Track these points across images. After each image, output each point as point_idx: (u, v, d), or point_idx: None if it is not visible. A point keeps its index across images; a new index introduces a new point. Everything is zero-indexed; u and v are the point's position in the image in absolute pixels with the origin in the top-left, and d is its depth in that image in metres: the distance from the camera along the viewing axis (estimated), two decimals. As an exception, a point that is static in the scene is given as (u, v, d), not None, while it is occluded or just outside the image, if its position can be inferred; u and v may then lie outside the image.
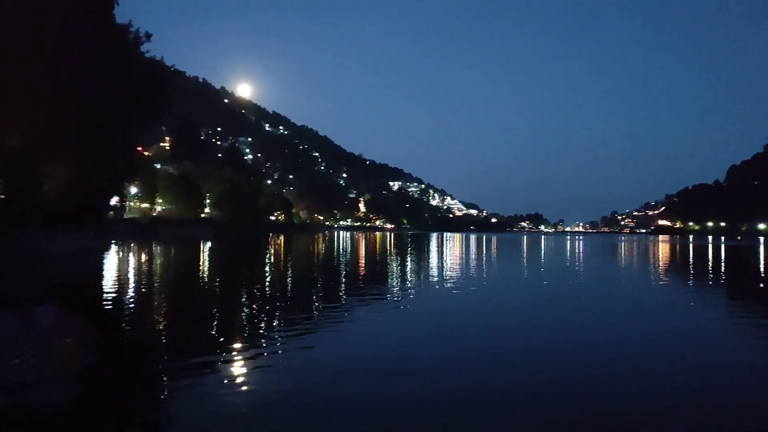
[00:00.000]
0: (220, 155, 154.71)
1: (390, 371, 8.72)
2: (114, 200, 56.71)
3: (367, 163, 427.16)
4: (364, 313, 14.71)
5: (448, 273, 27.92)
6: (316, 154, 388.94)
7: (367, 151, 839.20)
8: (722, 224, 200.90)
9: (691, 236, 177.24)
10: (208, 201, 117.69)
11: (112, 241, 52.25)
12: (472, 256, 46.53)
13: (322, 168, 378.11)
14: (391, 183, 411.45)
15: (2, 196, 31.89)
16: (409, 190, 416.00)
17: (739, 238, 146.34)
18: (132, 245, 50.00)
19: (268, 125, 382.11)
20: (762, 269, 35.71)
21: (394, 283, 23.05)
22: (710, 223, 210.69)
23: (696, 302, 18.58)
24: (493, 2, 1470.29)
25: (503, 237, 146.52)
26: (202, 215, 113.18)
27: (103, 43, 34.40)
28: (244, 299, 17.66)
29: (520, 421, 6.66)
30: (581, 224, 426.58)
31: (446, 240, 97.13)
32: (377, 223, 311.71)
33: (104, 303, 15.88)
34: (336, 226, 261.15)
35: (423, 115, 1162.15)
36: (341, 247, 60.02)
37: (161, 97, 46.74)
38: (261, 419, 6.55)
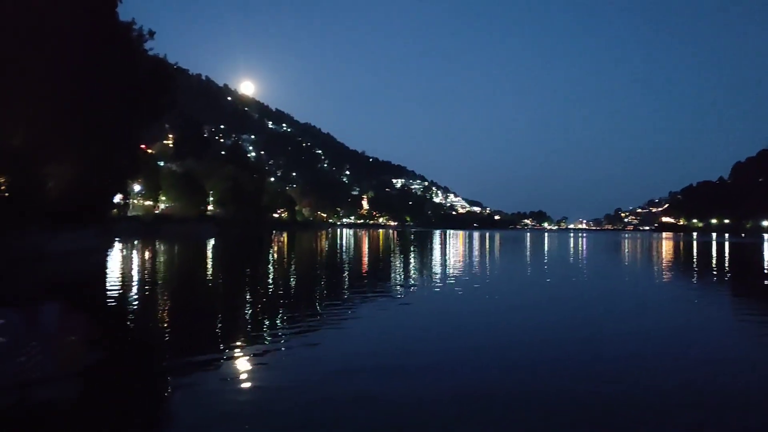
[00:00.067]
0: (223, 153, 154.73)
1: (392, 369, 8.73)
2: (117, 198, 56.82)
3: (370, 160, 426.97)
4: (367, 310, 14.73)
5: (451, 270, 27.91)
6: (319, 151, 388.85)
7: (370, 148, 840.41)
8: (726, 221, 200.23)
9: (695, 233, 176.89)
10: (211, 199, 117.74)
11: (116, 239, 52.37)
12: (475, 253, 46.52)
13: (325, 165, 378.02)
14: (394, 180, 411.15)
15: (5, 195, 31.97)
16: (413, 187, 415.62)
17: (743, 235, 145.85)
18: (135, 243, 50.13)
19: (271, 123, 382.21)
20: (766, 266, 35.62)
21: (397, 281, 23.05)
22: (714, 221, 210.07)
23: (700, 299, 18.53)
24: (494, 2, 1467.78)
25: (506, 234, 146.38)
26: (206, 213, 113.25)
27: (106, 41, 34.42)
28: (248, 297, 17.69)
29: (521, 419, 6.66)
30: (584, 221, 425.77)
31: (449, 237, 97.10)
32: (380, 220, 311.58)
33: (108, 301, 15.93)
34: (339, 223, 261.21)
35: (426, 113, 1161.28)
36: (344, 245, 60.06)
37: (164, 95, 46.77)
38: (263, 416, 6.58)
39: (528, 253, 50.80)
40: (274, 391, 7.52)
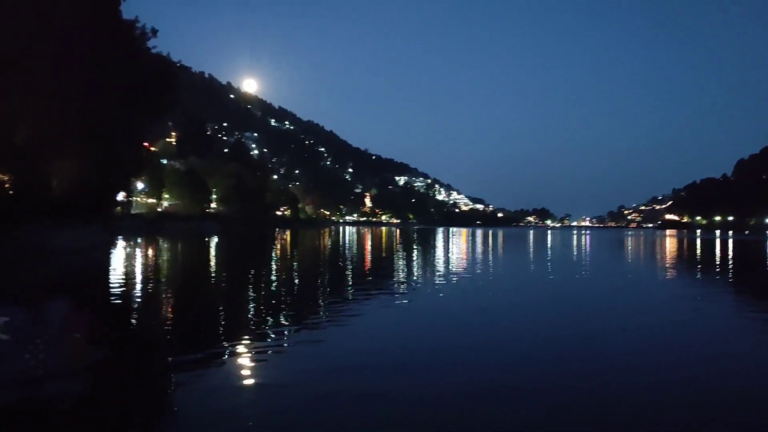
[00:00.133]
0: (226, 150, 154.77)
1: (396, 366, 8.75)
2: (121, 196, 56.96)
3: (373, 158, 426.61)
4: (370, 307, 14.74)
5: (454, 268, 27.92)
6: (322, 149, 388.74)
7: (373, 146, 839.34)
8: (730, 218, 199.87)
9: (698, 230, 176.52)
10: (214, 196, 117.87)
11: (119, 237, 52.51)
12: (478, 251, 46.52)
13: (328, 163, 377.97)
14: (397, 178, 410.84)
15: (10, 192, 32.07)
16: (415, 185, 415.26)
17: (746, 232, 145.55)
18: (139, 241, 50.26)
19: (274, 120, 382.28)
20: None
21: (400, 278, 23.07)
22: (718, 218, 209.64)
23: (703, 297, 18.50)
24: (495, 0, 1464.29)
25: (510, 232, 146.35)
26: (209, 210, 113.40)
27: (109, 39, 34.47)
28: (251, 294, 17.74)
29: (523, 417, 6.67)
30: (588, 219, 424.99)
31: (452, 235, 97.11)
32: (383, 218, 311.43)
33: (113, 298, 15.98)
34: (342, 221, 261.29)
35: (429, 110, 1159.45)
36: (347, 242, 60.11)
37: (168, 92, 46.77)
38: (266, 413, 6.60)
39: (531, 250, 50.78)
40: (278, 388, 7.54)
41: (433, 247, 52.24)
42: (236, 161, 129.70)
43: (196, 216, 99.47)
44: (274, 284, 20.41)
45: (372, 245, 54.50)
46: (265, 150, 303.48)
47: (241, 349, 9.90)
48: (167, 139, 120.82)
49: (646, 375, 8.43)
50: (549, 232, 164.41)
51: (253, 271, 26.00)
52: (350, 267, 28.57)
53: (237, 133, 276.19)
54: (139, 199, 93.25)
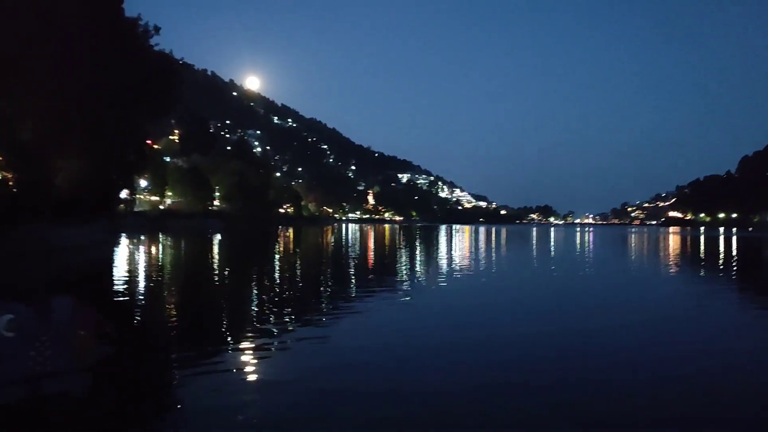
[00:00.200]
0: (229, 148, 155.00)
1: (398, 364, 8.76)
2: (124, 193, 57.02)
3: (376, 155, 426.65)
4: (373, 305, 14.73)
5: (457, 265, 27.90)
6: (325, 146, 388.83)
7: (376, 143, 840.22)
8: (734, 216, 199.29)
9: (702, 228, 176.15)
10: (217, 194, 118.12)
11: (122, 234, 52.61)
12: (482, 248, 46.50)
13: (331, 160, 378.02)
14: (400, 175, 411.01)
15: (14, 190, 32.16)
16: (418, 182, 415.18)
17: (750, 229, 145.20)
18: (142, 238, 50.35)
19: (276, 118, 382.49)
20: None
21: (403, 275, 23.07)
22: (722, 215, 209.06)
23: (706, 293, 18.44)
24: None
25: (513, 229, 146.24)
26: (212, 208, 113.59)
27: (113, 36, 34.52)
28: (255, 291, 17.76)
29: (527, 415, 6.66)
30: (591, 216, 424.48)
31: (455, 232, 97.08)
32: (386, 215, 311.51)
33: (119, 295, 16.02)
34: (345, 218, 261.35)
35: (432, 107, 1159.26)
36: (350, 240, 60.14)
37: (170, 90, 46.85)
38: (271, 409, 6.61)
39: (534, 247, 50.74)
40: (282, 385, 7.55)
41: (437, 244, 52.23)
42: (239, 159, 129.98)
43: (199, 213, 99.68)
44: (277, 281, 20.42)
45: (375, 243, 54.51)
46: (267, 147, 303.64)
47: (245, 345, 9.91)
48: (170, 137, 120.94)
49: (649, 371, 8.42)
50: (552, 229, 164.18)
51: (256, 269, 26.02)
52: (353, 264, 28.57)
53: (240, 130, 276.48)
54: (142, 196, 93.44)
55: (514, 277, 23.92)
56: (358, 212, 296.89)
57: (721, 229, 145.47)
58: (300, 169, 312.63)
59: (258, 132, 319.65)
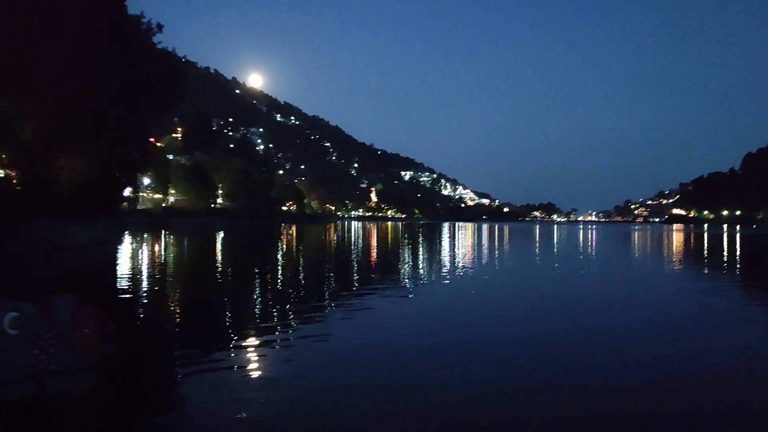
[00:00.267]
0: (232, 146, 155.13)
1: (400, 362, 8.76)
2: (127, 191, 57.19)
3: (379, 153, 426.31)
4: (376, 302, 14.73)
5: (460, 263, 27.89)
6: (328, 144, 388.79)
7: (379, 140, 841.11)
8: (737, 213, 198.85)
9: (705, 225, 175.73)
10: (220, 191, 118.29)
11: (126, 232, 52.71)
12: (485, 245, 46.47)
13: (334, 158, 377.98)
14: (402, 173, 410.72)
15: (18, 188, 32.23)
16: (421, 179, 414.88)
17: (754, 226, 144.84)
18: (145, 236, 50.43)
19: (279, 116, 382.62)
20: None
21: (406, 273, 23.06)
22: (725, 212, 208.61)
23: (710, 290, 18.40)
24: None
25: (516, 226, 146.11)
26: (215, 206, 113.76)
27: (116, 34, 34.50)
28: (258, 289, 17.77)
29: (529, 413, 6.66)
30: (594, 213, 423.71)
31: (458, 230, 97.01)
32: (389, 213, 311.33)
33: (121, 293, 16.05)
34: (348, 216, 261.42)
35: (434, 105, 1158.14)
36: (353, 237, 60.14)
37: (173, 88, 46.77)
38: (274, 406, 6.61)
39: (537, 245, 50.67)
40: (285, 382, 7.56)
41: (440, 241, 52.20)
42: (242, 156, 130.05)
43: (202, 211, 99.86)
44: (280, 279, 20.43)
45: (378, 240, 54.52)
46: (270, 145, 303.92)
47: (248, 342, 9.93)
48: (173, 135, 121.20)
49: (653, 368, 8.40)
50: (555, 226, 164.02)
51: (259, 266, 26.04)
52: (356, 262, 28.57)
53: (243, 128, 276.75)
54: (145, 194, 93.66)
55: (517, 274, 23.89)
56: (360, 210, 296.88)
57: (725, 227, 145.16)
58: (303, 166, 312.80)
59: (261, 130, 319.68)
